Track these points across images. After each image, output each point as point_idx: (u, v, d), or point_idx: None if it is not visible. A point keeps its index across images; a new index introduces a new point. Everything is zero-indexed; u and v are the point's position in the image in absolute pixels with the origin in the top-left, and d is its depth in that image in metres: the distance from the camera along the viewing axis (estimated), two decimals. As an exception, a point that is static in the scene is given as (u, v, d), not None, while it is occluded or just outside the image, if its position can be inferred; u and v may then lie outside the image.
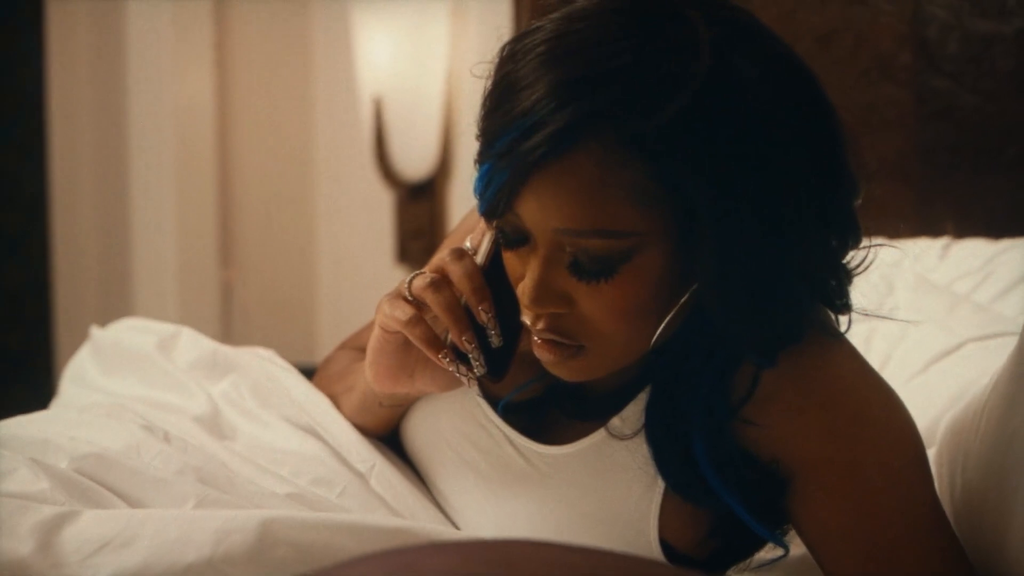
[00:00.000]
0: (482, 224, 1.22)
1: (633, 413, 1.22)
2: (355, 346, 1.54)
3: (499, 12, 3.25)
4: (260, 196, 3.94)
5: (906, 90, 2.32)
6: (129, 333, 1.63)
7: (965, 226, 2.20)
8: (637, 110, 1.06)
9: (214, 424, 1.40)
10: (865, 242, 1.20)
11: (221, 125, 3.86)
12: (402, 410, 1.39)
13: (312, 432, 1.39)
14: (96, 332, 1.65)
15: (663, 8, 1.11)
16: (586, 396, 1.26)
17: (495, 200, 1.12)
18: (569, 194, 1.08)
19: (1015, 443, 1.18)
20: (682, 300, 1.14)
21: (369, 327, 1.47)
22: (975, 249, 2.10)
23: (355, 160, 3.70)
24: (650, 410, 1.20)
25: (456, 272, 1.20)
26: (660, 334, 1.15)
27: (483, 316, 1.19)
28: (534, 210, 1.11)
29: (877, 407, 1.18)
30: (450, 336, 1.21)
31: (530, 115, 1.07)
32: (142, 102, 3.73)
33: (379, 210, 3.67)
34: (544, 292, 1.13)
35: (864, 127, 2.34)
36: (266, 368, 1.51)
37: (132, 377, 1.53)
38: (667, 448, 1.18)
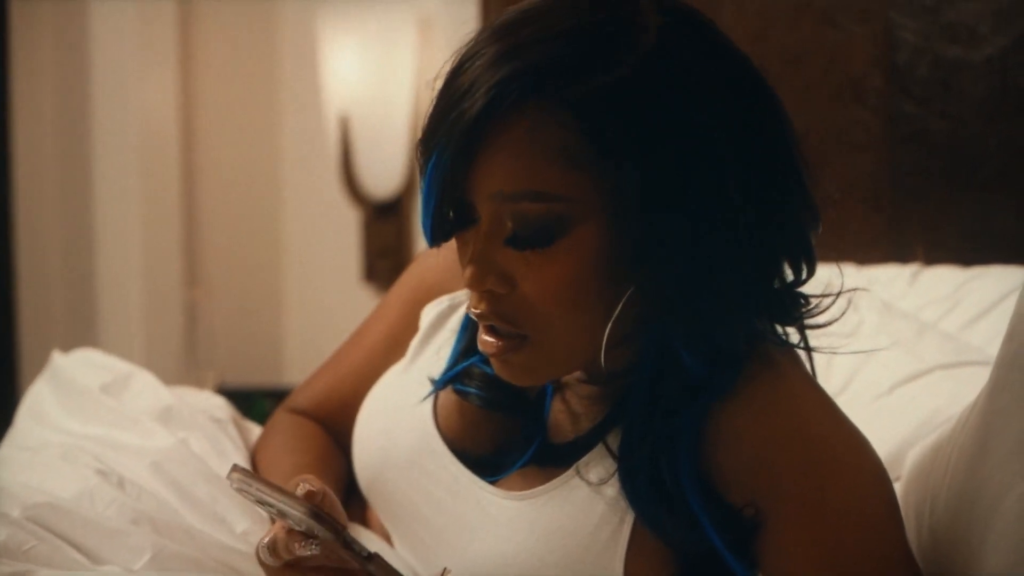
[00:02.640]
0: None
1: (597, 457, 1.19)
2: (303, 400, 1.51)
3: (466, 31, 3.23)
4: (226, 215, 3.91)
5: (876, 114, 2.30)
6: (83, 369, 1.59)
7: (935, 251, 2.19)
8: (574, 73, 1.07)
9: (176, 465, 1.36)
10: (829, 268, 1.20)
11: (187, 145, 3.83)
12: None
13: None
14: (57, 360, 1.61)
15: None
16: (551, 442, 1.24)
17: (444, 183, 1.10)
18: (504, 154, 1.09)
19: (984, 491, 1.16)
20: (624, 296, 1.12)
21: (318, 374, 1.49)
22: (945, 276, 2.09)
23: (322, 178, 3.68)
24: (623, 451, 1.17)
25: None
26: (608, 336, 1.13)
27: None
28: (475, 179, 1.11)
29: (845, 448, 1.16)
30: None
31: (470, 86, 1.09)
32: (106, 129, 3.70)
33: (346, 229, 3.65)
34: (484, 267, 1.12)
35: (834, 150, 2.33)
36: (218, 438, 1.47)
37: (89, 414, 1.49)
38: (644, 489, 1.15)
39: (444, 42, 3.42)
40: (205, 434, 1.47)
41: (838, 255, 2.16)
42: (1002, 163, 2.15)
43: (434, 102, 1.14)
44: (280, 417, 1.52)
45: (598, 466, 1.18)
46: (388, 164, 3.48)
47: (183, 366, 3.75)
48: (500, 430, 1.29)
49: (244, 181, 3.92)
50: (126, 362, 1.60)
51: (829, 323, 1.21)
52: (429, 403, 1.32)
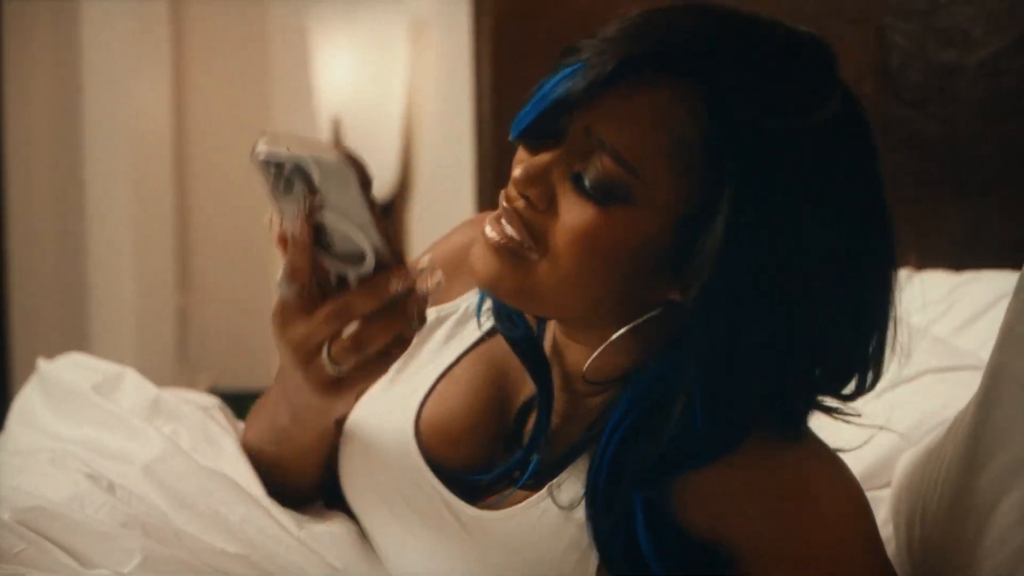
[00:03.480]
0: None
1: (571, 479, 1.17)
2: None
3: (458, 34, 3.24)
4: (218, 219, 3.90)
5: (869, 118, 2.31)
6: (72, 371, 1.58)
7: (927, 256, 2.19)
8: (743, 91, 1.04)
9: (166, 468, 1.36)
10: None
11: (179, 148, 3.82)
12: (329, 437, 1.34)
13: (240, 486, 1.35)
14: (43, 366, 1.61)
15: (825, 65, 1.10)
16: (528, 463, 1.22)
17: (570, 93, 1.07)
18: (629, 106, 1.06)
19: (975, 502, 1.16)
20: (652, 311, 1.10)
21: None
22: (936, 281, 2.09)
23: (314, 182, 3.67)
24: (592, 479, 1.15)
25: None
26: (624, 332, 1.12)
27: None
28: (590, 105, 1.07)
29: (821, 481, 1.14)
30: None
31: (658, 27, 1.06)
32: (98, 132, 3.69)
33: (338, 232, 3.64)
34: (537, 177, 1.09)
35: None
36: (206, 425, 1.47)
37: (78, 417, 1.48)
38: (605, 522, 1.13)
39: (436, 43, 3.42)
40: (193, 423, 1.47)
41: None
42: (995, 167, 2.16)
43: (624, 19, 1.10)
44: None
45: (571, 488, 1.17)
46: (380, 167, 3.47)
47: (175, 370, 3.74)
48: (481, 446, 1.28)
49: (235, 185, 3.91)
50: (112, 363, 1.60)
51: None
52: (412, 419, 1.31)
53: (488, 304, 1.30)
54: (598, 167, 1.06)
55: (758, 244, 1.05)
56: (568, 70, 1.08)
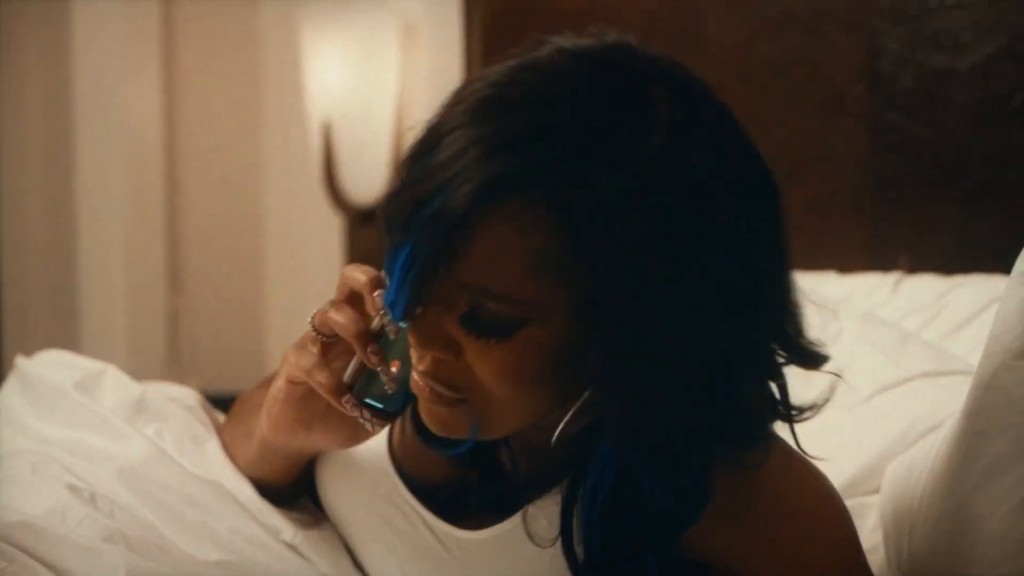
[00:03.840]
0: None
1: (548, 503, 1.16)
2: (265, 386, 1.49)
3: (449, 37, 3.23)
4: (209, 222, 3.90)
5: (860, 123, 2.30)
6: (52, 368, 1.56)
7: (918, 260, 2.19)
8: (568, 178, 0.99)
9: (151, 473, 1.34)
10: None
11: (170, 152, 3.82)
12: (300, 465, 1.34)
13: (228, 492, 1.35)
14: (22, 363, 1.59)
15: (625, 77, 1.03)
16: (508, 483, 1.21)
17: (423, 275, 1.03)
18: (477, 249, 1.01)
19: (965, 515, 1.16)
20: (581, 400, 1.07)
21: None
22: (927, 285, 2.09)
23: (304, 185, 3.67)
24: (565, 505, 1.13)
25: (338, 321, 1.15)
26: (560, 432, 1.08)
27: (372, 359, 1.13)
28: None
29: (803, 499, 1.13)
30: (349, 374, 1.18)
31: (453, 175, 1.00)
32: (89, 136, 3.68)
33: (329, 235, 3.64)
34: (433, 334, 1.06)
35: (817, 160, 2.33)
36: (190, 425, 1.46)
37: (60, 416, 1.46)
38: (578, 552, 1.12)
39: (427, 47, 3.42)
40: (177, 422, 1.46)
41: (821, 263, 2.18)
42: (985, 172, 2.15)
43: (408, 174, 1.05)
44: (254, 388, 1.51)
45: (547, 514, 1.15)
46: (371, 171, 3.46)
47: (166, 373, 3.73)
48: (457, 465, 1.26)
49: (227, 188, 3.91)
50: (94, 360, 1.58)
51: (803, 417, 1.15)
52: (386, 436, 1.30)
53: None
54: (481, 309, 1.04)
55: (643, 298, 1.01)
56: (407, 247, 1.03)
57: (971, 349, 1.85)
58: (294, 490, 1.39)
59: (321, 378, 1.17)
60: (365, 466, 1.30)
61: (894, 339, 1.86)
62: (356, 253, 3.54)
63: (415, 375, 1.11)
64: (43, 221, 3.77)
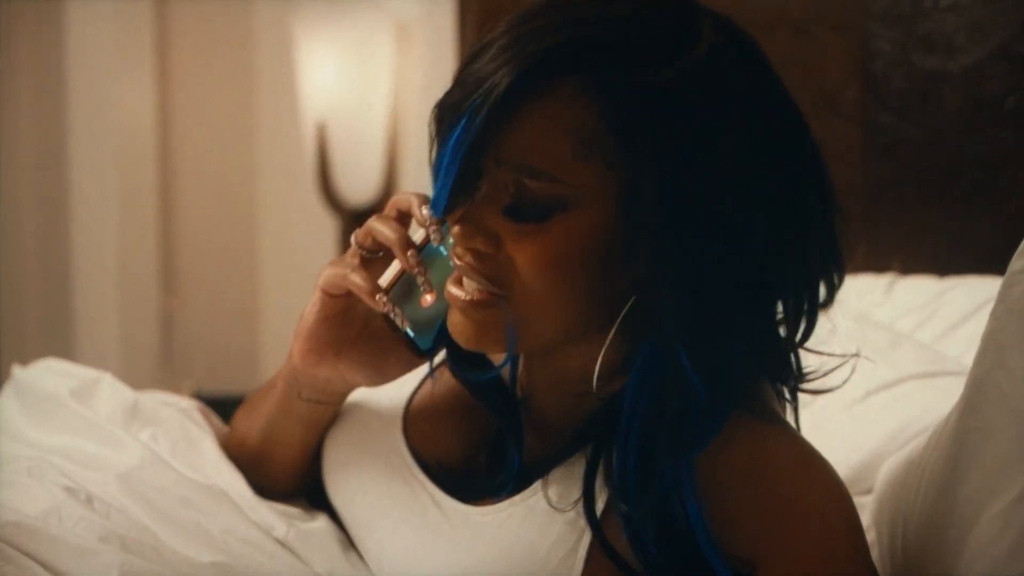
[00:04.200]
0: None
1: (560, 477, 1.17)
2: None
3: (443, 38, 3.23)
4: (203, 222, 3.89)
5: (853, 125, 2.30)
6: (48, 377, 1.57)
7: (912, 262, 2.19)
8: (620, 63, 1.05)
9: (146, 477, 1.35)
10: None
11: (163, 152, 3.81)
12: (318, 421, 1.36)
13: (223, 493, 1.35)
14: (17, 373, 1.60)
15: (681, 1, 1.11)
16: (515, 461, 1.22)
17: (474, 148, 1.07)
18: (526, 125, 1.06)
19: (957, 512, 1.16)
20: (627, 305, 1.10)
21: None
22: (920, 286, 2.09)
23: (299, 186, 3.67)
24: (619, 470, 1.13)
25: (382, 229, 1.19)
26: (605, 341, 1.12)
27: (410, 261, 1.16)
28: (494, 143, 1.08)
29: (813, 488, 1.13)
30: (387, 280, 1.20)
31: (514, 49, 1.06)
32: (82, 136, 3.67)
33: (323, 236, 3.64)
34: (475, 225, 1.10)
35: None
36: (185, 427, 1.47)
37: (55, 424, 1.47)
38: (641, 509, 1.11)
39: (421, 48, 3.41)
40: (172, 425, 1.47)
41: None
42: (978, 174, 2.16)
43: (467, 63, 1.11)
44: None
45: (560, 484, 1.16)
46: (365, 171, 3.47)
47: (159, 374, 3.73)
48: (469, 443, 1.29)
49: (221, 188, 3.91)
50: (89, 368, 1.58)
51: (820, 390, 1.19)
52: (400, 412, 1.33)
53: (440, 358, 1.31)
54: (525, 190, 1.08)
55: (687, 193, 1.06)
56: (458, 127, 1.08)
57: (965, 350, 1.85)
58: (298, 480, 1.40)
59: (357, 278, 1.19)
60: (376, 443, 1.31)
61: (887, 340, 1.86)
62: (350, 254, 3.54)
63: (450, 284, 1.14)
64: (36, 221, 3.77)
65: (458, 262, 1.13)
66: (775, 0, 2.38)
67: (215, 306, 3.91)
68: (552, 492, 1.16)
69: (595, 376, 1.13)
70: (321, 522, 1.35)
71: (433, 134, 1.14)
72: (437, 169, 1.11)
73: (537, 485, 1.17)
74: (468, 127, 1.07)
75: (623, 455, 1.12)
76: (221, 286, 3.92)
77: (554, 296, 1.10)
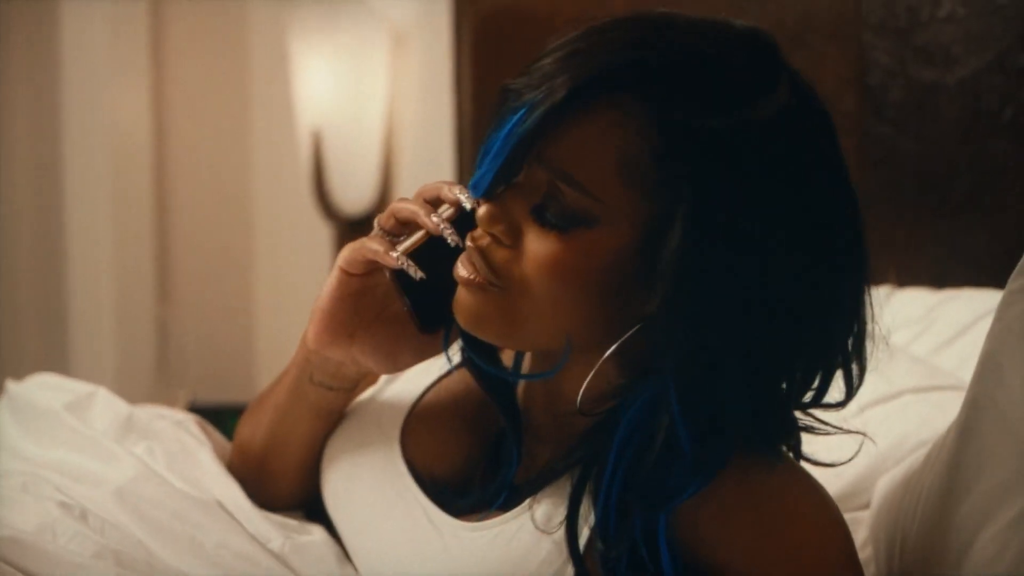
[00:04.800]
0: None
1: (548, 498, 1.16)
2: None
3: (439, 46, 3.23)
4: (198, 231, 3.89)
5: (849, 136, 2.28)
6: (42, 392, 1.57)
7: (908, 274, 2.19)
8: (686, 95, 1.04)
9: (141, 492, 1.34)
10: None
11: (158, 162, 3.81)
12: (327, 411, 1.36)
13: (219, 506, 1.35)
14: (12, 387, 1.60)
15: (765, 53, 1.10)
16: (509, 477, 1.22)
17: (526, 138, 1.07)
18: (576, 132, 1.06)
19: (955, 534, 1.15)
20: (631, 330, 1.10)
21: None
22: (916, 299, 2.09)
23: (293, 195, 3.67)
24: (601, 506, 1.12)
25: (406, 206, 1.20)
26: (589, 397, 1.11)
27: (432, 221, 1.16)
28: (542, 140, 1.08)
29: (805, 509, 1.13)
30: (405, 247, 1.19)
31: (588, 52, 1.06)
32: (77, 143, 3.67)
33: (318, 245, 3.63)
34: (501, 213, 1.11)
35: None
36: (181, 439, 1.47)
37: (50, 438, 1.47)
38: (617, 548, 1.10)
39: (417, 56, 3.41)
40: (167, 437, 1.46)
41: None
42: (974, 186, 2.15)
43: (542, 55, 1.11)
44: None
45: (549, 504, 1.16)
46: (361, 180, 3.46)
47: (154, 383, 3.72)
48: (465, 454, 1.29)
49: (216, 197, 3.90)
50: (83, 382, 1.58)
51: (821, 463, 1.18)
52: (398, 426, 1.33)
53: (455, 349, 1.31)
54: (556, 195, 1.08)
55: (716, 245, 1.05)
56: (515, 117, 1.09)
57: (961, 364, 1.85)
58: (301, 484, 1.39)
59: (375, 244, 1.20)
60: (375, 459, 1.31)
61: (883, 354, 1.85)
62: (345, 262, 3.53)
63: (460, 261, 1.15)
64: (31, 228, 3.76)
65: (471, 243, 1.14)
66: (771, 9, 2.38)
67: (210, 315, 3.90)
68: (540, 512, 1.16)
69: (580, 393, 1.13)
70: (317, 535, 1.35)
71: (493, 113, 1.14)
72: (486, 151, 1.12)
73: (528, 502, 1.17)
74: (523, 120, 1.07)
75: (605, 497, 1.11)
76: (216, 295, 3.91)
77: (556, 305, 1.10)
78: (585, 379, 1.13)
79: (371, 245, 1.20)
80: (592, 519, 1.12)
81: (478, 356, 1.25)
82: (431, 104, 3.32)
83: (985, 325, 1.21)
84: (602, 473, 1.12)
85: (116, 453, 1.41)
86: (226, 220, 3.91)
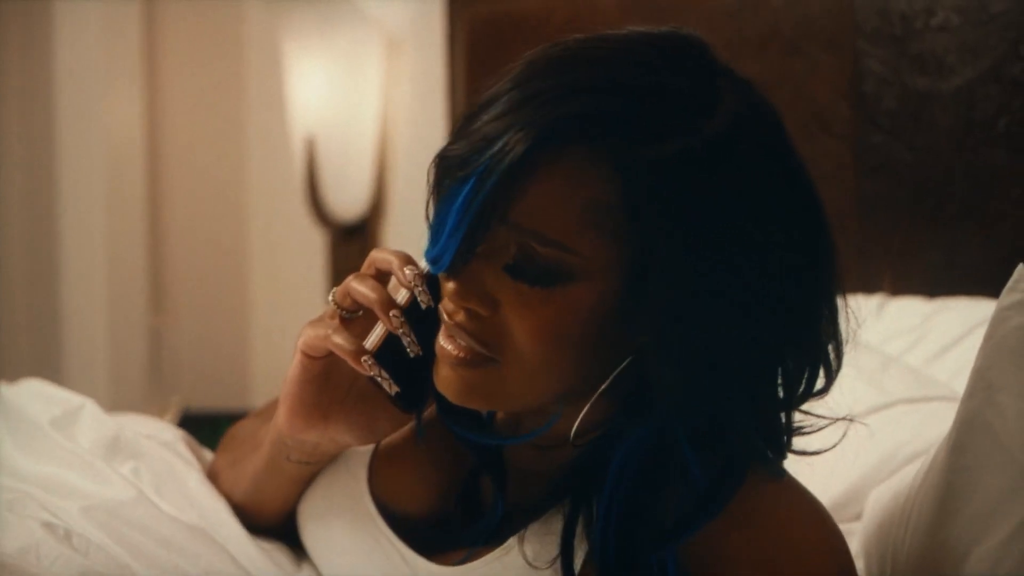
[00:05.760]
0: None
1: (536, 532, 1.13)
2: (264, 414, 1.48)
3: (433, 52, 3.23)
4: (191, 239, 3.89)
5: (844, 144, 2.29)
6: (31, 401, 1.55)
7: (902, 283, 2.18)
8: (635, 134, 1.01)
9: (124, 519, 1.32)
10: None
11: (152, 169, 3.80)
12: (307, 477, 1.33)
13: (206, 533, 1.33)
14: (3, 391, 1.58)
15: (698, 61, 1.07)
16: (490, 515, 1.19)
17: (482, 211, 1.03)
18: (535, 190, 1.02)
19: (948, 550, 1.15)
20: (621, 366, 1.07)
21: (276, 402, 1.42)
22: (910, 308, 2.08)
23: (287, 201, 3.66)
24: (599, 542, 1.09)
25: (361, 290, 1.15)
26: (580, 427, 1.09)
27: (393, 322, 1.12)
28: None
29: (807, 531, 1.11)
30: (371, 343, 1.16)
31: (524, 113, 1.02)
32: (70, 153, 3.67)
33: (312, 251, 3.63)
34: (471, 284, 1.07)
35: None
36: (168, 460, 1.45)
37: (37, 452, 1.45)
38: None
39: (411, 62, 3.41)
40: (154, 459, 1.45)
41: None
42: (969, 195, 2.15)
43: (473, 115, 1.07)
44: (243, 420, 1.51)
45: (536, 539, 1.13)
46: (354, 186, 3.46)
47: (148, 390, 3.71)
48: (438, 492, 1.26)
49: (209, 204, 3.90)
50: (74, 393, 1.57)
51: (809, 452, 1.16)
52: (365, 465, 1.29)
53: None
54: (531, 253, 1.04)
55: (698, 270, 1.03)
56: (466, 187, 1.04)
57: (955, 374, 1.84)
58: (283, 525, 1.38)
59: (339, 339, 1.15)
60: (345, 503, 1.28)
61: (876, 364, 1.85)
62: (339, 269, 3.53)
63: (441, 338, 1.10)
64: (24, 235, 3.75)
65: (448, 320, 1.10)
66: (766, 18, 2.38)
67: (203, 321, 3.90)
68: (528, 548, 1.12)
69: (573, 430, 1.10)
70: (308, 571, 1.33)
71: (432, 184, 1.10)
72: (438, 226, 1.08)
73: (511, 541, 1.13)
74: (477, 189, 1.03)
75: (603, 529, 1.09)
76: (210, 302, 3.91)
77: (547, 364, 1.07)
78: (573, 413, 1.11)
79: (336, 339, 1.15)
80: (583, 550, 1.10)
81: (460, 425, 1.21)
82: (425, 109, 3.31)
83: (979, 335, 1.20)
84: (596, 504, 1.09)
85: (103, 472, 1.39)
86: (220, 225, 3.91)
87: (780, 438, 1.14)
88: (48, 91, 3.66)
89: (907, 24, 2.20)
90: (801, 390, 1.13)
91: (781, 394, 1.12)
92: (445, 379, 1.11)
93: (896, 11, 2.21)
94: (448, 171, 1.07)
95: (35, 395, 1.57)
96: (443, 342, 1.11)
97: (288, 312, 3.77)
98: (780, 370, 1.11)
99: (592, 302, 1.05)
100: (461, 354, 1.09)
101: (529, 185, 1.03)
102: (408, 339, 1.14)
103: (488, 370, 1.09)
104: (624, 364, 1.08)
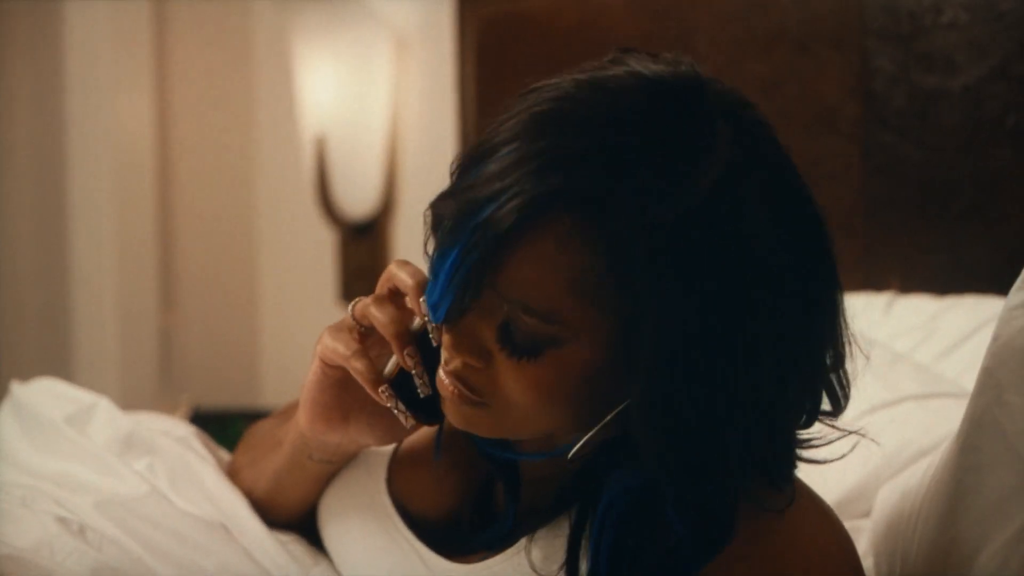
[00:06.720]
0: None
1: (546, 535, 1.14)
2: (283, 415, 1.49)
3: (442, 51, 3.23)
4: (201, 238, 3.89)
5: (852, 143, 2.30)
6: (45, 400, 1.56)
7: (910, 281, 2.19)
8: (621, 202, 0.98)
9: (139, 515, 1.33)
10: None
11: (162, 168, 3.80)
12: (327, 475, 1.34)
13: (222, 528, 1.34)
14: (16, 390, 1.59)
15: (693, 109, 1.02)
16: (504, 516, 1.20)
17: (467, 281, 1.03)
18: (522, 262, 1.01)
19: (957, 549, 1.15)
20: (608, 417, 1.06)
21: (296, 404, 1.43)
22: (918, 306, 2.08)
23: (297, 199, 3.67)
24: (573, 533, 1.11)
25: (379, 318, 1.14)
26: (581, 446, 1.08)
27: (408, 361, 1.13)
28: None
29: (819, 544, 1.09)
30: (389, 370, 1.17)
31: (506, 184, 1.00)
32: (80, 152, 3.67)
33: (322, 249, 3.63)
34: (465, 338, 1.07)
35: (808, 179, 2.32)
36: (183, 455, 1.46)
37: (52, 449, 1.46)
38: None
39: (420, 61, 3.41)
40: (169, 455, 1.46)
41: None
42: (977, 193, 2.15)
43: (460, 179, 1.06)
44: (262, 421, 1.52)
45: (544, 544, 1.13)
46: (364, 184, 3.46)
47: (158, 389, 3.72)
48: (454, 494, 1.28)
49: (219, 203, 3.90)
50: (87, 391, 1.57)
51: (815, 460, 1.14)
52: (384, 466, 1.31)
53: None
54: (519, 322, 1.03)
55: (687, 337, 1.00)
56: (453, 254, 1.04)
57: (962, 371, 1.85)
58: (301, 522, 1.39)
59: (359, 365, 1.16)
60: (364, 501, 1.30)
61: (885, 360, 1.85)
62: (349, 267, 3.53)
63: (441, 373, 1.11)
64: (34, 236, 3.76)
65: (445, 366, 1.10)
66: (774, 17, 2.38)
67: (213, 320, 3.90)
68: (536, 553, 1.13)
69: (570, 453, 1.10)
70: (325, 565, 1.34)
71: (430, 228, 1.09)
72: (434, 273, 1.07)
73: (522, 543, 1.14)
74: (463, 257, 1.03)
75: (593, 561, 1.08)
76: (219, 300, 3.91)
77: (538, 414, 1.08)
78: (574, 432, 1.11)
79: (355, 364, 1.16)
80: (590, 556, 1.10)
81: (475, 436, 1.21)
82: (434, 108, 3.32)
83: (987, 333, 1.20)
84: (590, 537, 1.09)
85: (117, 469, 1.40)
86: (229, 224, 3.91)
87: (783, 468, 1.11)
88: (58, 91, 3.66)
89: (915, 22, 2.21)
90: (805, 418, 1.11)
91: (781, 426, 1.09)
92: (448, 408, 1.13)
93: (904, 9, 2.22)
94: (441, 225, 1.07)
95: (49, 394, 1.58)
96: (440, 381, 1.11)
97: (298, 311, 3.78)
98: (781, 410, 1.07)
99: (581, 363, 1.04)
100: (456, 393, 1.10)
101: (514, 256, 1.01)
102: (420, 380, 1.15)
103: (482, 410, 1.10)
104: (618, 409, 1.06)
